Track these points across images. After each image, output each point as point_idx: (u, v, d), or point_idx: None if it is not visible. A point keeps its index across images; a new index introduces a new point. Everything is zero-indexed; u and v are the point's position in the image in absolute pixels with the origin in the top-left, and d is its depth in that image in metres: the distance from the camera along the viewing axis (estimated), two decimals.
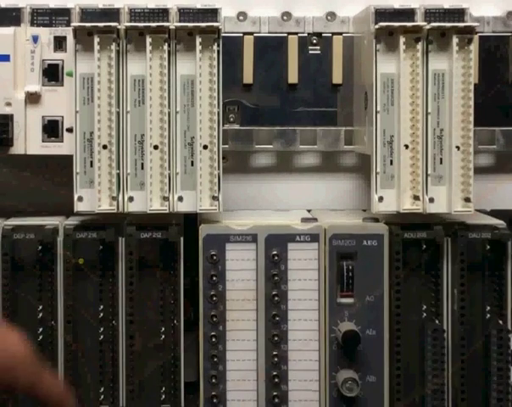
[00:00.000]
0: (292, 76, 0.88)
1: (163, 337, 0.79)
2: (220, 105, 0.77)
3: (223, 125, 0.80)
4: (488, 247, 0.79)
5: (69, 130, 0.79)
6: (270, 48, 0.88)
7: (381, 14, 0.77)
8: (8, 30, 0.80)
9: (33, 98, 0.80)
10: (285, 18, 0.88)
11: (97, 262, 0.79)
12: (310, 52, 0.88)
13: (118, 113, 0.77)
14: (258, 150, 0.89)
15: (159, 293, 0.79)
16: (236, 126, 0.88)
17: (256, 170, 0.91)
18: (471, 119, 0.76)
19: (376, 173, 0.78)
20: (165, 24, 0.77)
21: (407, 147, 0.77)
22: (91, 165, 0.77)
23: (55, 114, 0.80)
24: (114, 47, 0.76)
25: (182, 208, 0.78)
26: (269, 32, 0.88)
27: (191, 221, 0.81)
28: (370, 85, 0.78)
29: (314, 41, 0.88)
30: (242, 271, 0.79)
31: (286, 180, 0.91)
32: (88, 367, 0.79)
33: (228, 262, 0.79)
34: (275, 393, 0.79)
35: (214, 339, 0.79)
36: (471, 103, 0.76)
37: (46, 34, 0.80)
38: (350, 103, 0.87)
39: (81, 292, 0.79)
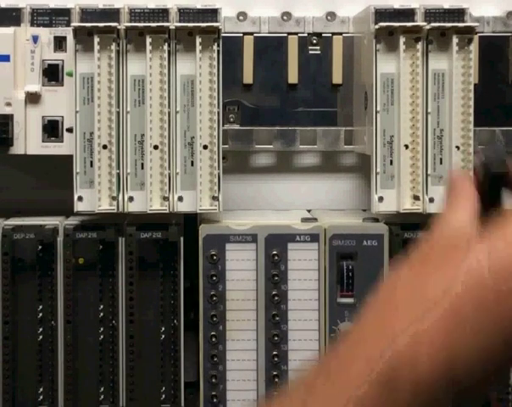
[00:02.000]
0: (292, 76, 0.88)
1: (163, 337, 0.79)
2: (220, 105, 0.77)
3: (223, 125, 0.80)
4: None
5: (69, 130, 0.79)
6: (270, 48, 0.88)
7: (381, 14, 0.77)
8: (8, 30, 0.80)
9: (33, 98, 0.80)
10: (285, 18, 0.88)
11: (97, 262, 0.79)
12: (310, 52, 0.88)
13: (118, 113, 0.77)
14: (258, 150, 0.89)
15: (159, 293, 0.79)
16: (236, 126, 0.88)
17: (256, 170, 0.91)
18: (471, 119, 0.76)
19: (376, 173, 0.78)
20: (165, 24, 0.77)
21: (407, 147, 0.77)
22: (91, 165, 0.77)
23: (55, 114, 0.80)
24: (114, 47, 0.76)
25: (182, 208, 0.78)
26: (269, 32, 0.88)
27: (191, 221, 0.81)
28: (370, 85, 0.78)
29: (314, 41, 0.88)
30: (242, 271, 0.79)
31: (286, 180, 0.91)
32: (88, 367, 0.79)
33: (228, 262, 0.79)
34: (275, 393, 0.79)
35: (214, 339, 0.79)
36: (471, 103, 0.76)
37: (46, 34, 0.80)
38: (350, 103, 0.87)
39: (81, 292, 0.79)
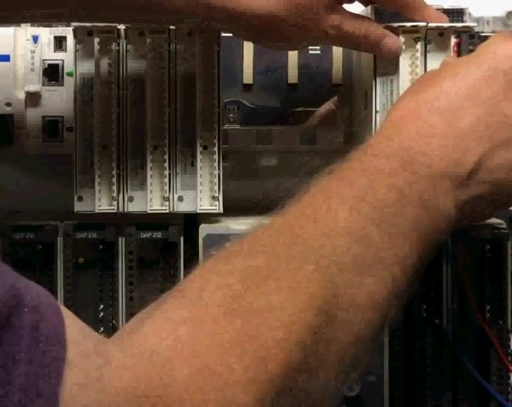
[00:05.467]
0: (292, 76, 0.88)
1: None
2: (220, 105, 0.77)
3: (223, 125, 0.80)
4: (488, 247, 0.79)
5: (70, 130, 0.79)
6: (271, 49, 0.88)
7: (381, 14, 0.77)
8: (8, 30, 0.80)
9: (33, 98, 0.80)
10: None
11: (97, 262, 0.79)
12: (310, 52, 0.88)
13: (118, 113, 0.77)
14: (258, 150, 0.89)
15: (159, 293, 0.79)
16: (236, 126, 0.88)
17: (256, 170, 0.91)
18: None
19: None
20: (165, 24, 0.77)
21: None
22: (92, 165, 0.77)
23: (55, 114, 0.80)
24: (114, 47, 0.76)
25: (182, 208, 0.78)
26: None
27: (191, 221, 0.81)
28: (370, 85, 0.78)
29: None
30: None
31: (286, 179, 0.91)
32: None
33: None
34: None
35: None
36: None
37: (46, 34, 0.80)
38: (350, 103, 0.87)
39: (81, 291, 0.79)
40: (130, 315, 0.78)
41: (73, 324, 0.43)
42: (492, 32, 0.86)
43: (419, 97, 0.60)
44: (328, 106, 0.89)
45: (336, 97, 0.89)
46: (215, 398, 0.45)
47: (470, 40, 0.75)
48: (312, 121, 0.89)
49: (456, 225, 0.60)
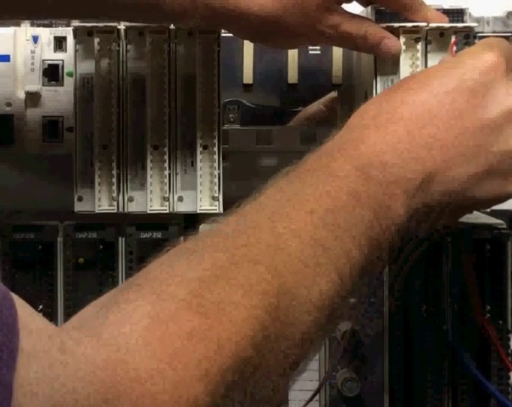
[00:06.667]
0: (292, 76, 0.88)
1: None
2: (220, 105, 0.77)
3: (223, 125, 0.80)
4: (488, 247, 0.79)
5: (70, 130, 0.79)
6: (270, 48, 0.88)
7: (381, 14, 0.77)
8: (8, 30, 0.80)
9: (33, 98, 0.80)
10: None
11: (97, 262, 0.79)
12: (310, 52, 0.88)
13: (118, 113, 0.77)
14: (258, 150, 0.89)
15: None
16: (236, 126, 0.88)
17: (256, 170, 0.91)
18: None
19: None
20: (165, 24, 0.77)
21: None
22: (92, 165, 0.77)
23: (55, 114, 0.80)
24: (114, 47, 0.76)
25: (182, 208, 0.78)
26: None
27: (191, 221, 0.81)
28: (370, 85, 0.78)
29: None
30: None
31: None
32: None
33: None
34: None
35: None
36: None
37: (46, 34, 0.80)
38: (350, 103, 0.87)
39: (81, 292, 0.79)
40: None
41: (26, 315, 0.43)
42: (493, 32, 0.87)
43: (384, 103, 0.61)
44: (317, 105, 0.89)
45: (327, 96, 0.89)
46: (167, 391, 0.45)
47: (465, 40, 0.75)
48: (298, 121, 0.90)
49: (412, 230, 0.61)
